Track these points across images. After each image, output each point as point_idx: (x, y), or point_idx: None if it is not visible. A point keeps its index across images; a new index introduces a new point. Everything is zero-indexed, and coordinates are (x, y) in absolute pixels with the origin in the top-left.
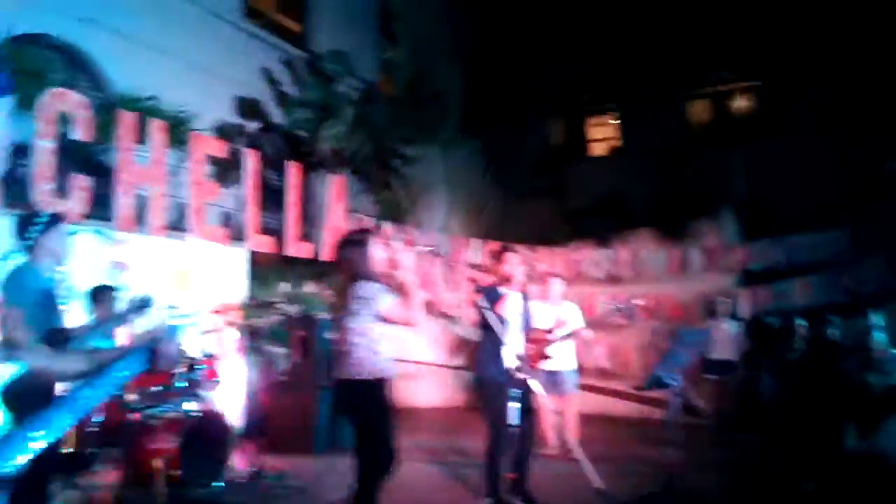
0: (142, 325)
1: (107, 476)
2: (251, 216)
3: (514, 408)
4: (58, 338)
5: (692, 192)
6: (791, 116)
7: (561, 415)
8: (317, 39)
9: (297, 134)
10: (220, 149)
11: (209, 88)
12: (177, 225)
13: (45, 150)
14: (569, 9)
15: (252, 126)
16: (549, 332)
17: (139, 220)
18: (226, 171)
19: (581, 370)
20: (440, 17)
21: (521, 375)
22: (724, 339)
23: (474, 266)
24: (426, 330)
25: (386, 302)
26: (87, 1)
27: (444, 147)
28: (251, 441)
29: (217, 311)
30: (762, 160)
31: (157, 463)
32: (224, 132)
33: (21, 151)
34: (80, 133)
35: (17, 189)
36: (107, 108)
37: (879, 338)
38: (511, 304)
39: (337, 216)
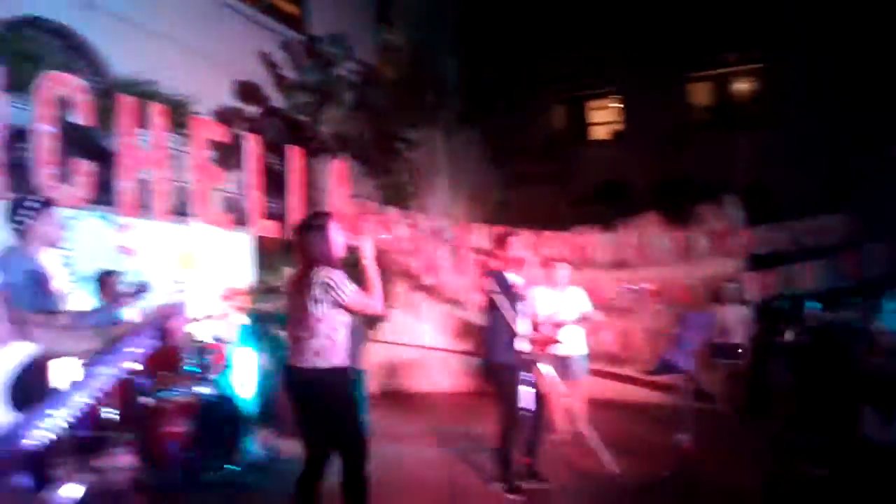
0: (150, 302)
1: (122, 459)
2: (254, 201)
3: (527, 392)
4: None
5: (695, 175)
6: (796, 99)
7: (571, 400)
8: (315, 22)
9: (298, 118)
10: (220, 133)
11: (208, 72)
12: (181, 210)
13: (44, 134)
14: None
15: (252, 110)
16: (557, 316)
17: (143, 204)
18: (227, 155)
19: (590, 355)
20: None
21: (531, 359)
22: (732, 323)
23: (479, 251)
24: (432, 315)
25: (347, 289)
26: None
27: (445, 131)
28: (263, 425)
29: (225, 297)
30: (766, 143)
31: (171, 446)
32: (224, 116)
33: (19, 136)
34: (80, 117)
35: (17, 175)
36: (106, 93)
37: (890, 322)
38: (517, 289)
39: (340, 200)
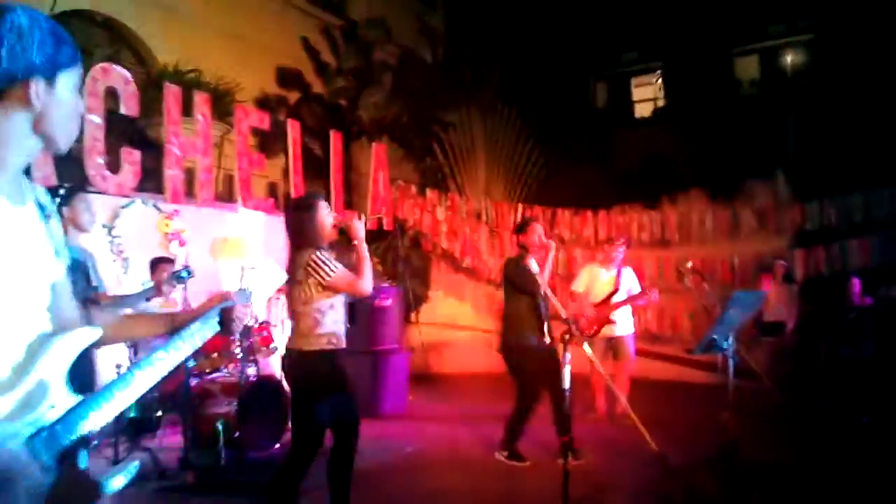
0: (196, 288)
1: (170, 439)
2: (297, 185)
3: (566, 371)
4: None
5: (742, 151)
6: (845, 70)
7: (614, 379)
8: (355, 6)
9: (338, 103)
10: (263, 120)
11: (249, 59)
12: (226, 196)
13: (93, 125)
14: None
15: (293, 96)
16: (612, 296)
17: (189, 191)
18: (269, 141)
19: (635, 334)
20: None
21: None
22: (779, 300)
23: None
24: (471, 296)
25: (331, 268)
26: None
27: (484, 112)
28: None
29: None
30: (814, 117)
31: (218, 426)
32: (265, 103)
33: None
34: (127, 107)
35: (66, 165)
36: (151, 82)
37: None
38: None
39: (379, 184)
